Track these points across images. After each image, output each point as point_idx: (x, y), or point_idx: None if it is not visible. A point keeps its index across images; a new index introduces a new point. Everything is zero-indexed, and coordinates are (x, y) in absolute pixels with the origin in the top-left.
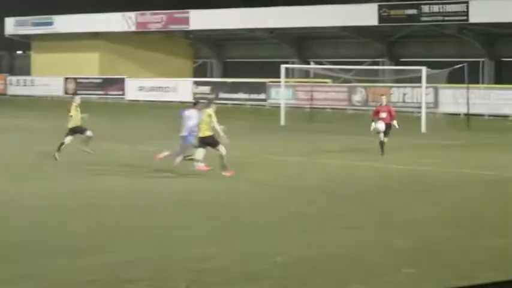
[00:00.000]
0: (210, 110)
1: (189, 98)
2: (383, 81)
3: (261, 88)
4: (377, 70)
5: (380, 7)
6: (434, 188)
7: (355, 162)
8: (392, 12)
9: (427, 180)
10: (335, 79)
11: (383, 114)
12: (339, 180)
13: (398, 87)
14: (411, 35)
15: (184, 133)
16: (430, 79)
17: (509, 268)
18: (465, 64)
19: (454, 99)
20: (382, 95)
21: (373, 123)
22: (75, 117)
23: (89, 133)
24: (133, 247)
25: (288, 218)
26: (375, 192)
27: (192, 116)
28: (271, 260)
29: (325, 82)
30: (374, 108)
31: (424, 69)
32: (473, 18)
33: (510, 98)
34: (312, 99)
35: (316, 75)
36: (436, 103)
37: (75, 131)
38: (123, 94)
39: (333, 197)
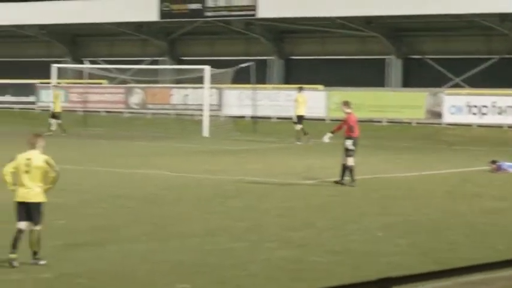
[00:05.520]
0: None
1: None
2: (163, 82)
3: (30, 90)
4: (156, 70)
5: (161, 1)
6: (212, 197)
7: (131, 170)
8: (175, 7)
9: (205, 189)
10: (111, 80)
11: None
12: (113, 189)
13: (179, 88)
14: (194, 31)
15: None
16: (213, 79)
17: (287, 280)
18: (252, 63)
19: (240, 100)
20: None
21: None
22: None
23: None
24: None
25: (55, 231)
26: (150, 202)
27: None
28: (36, 276)
29: (100, 83)
30: None
31: (207, 69)
32: (261, 13)
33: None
34: (85, 101)
35: (91, 76)
36: (220, 105)
37: None
38: None
39: (108, 208)
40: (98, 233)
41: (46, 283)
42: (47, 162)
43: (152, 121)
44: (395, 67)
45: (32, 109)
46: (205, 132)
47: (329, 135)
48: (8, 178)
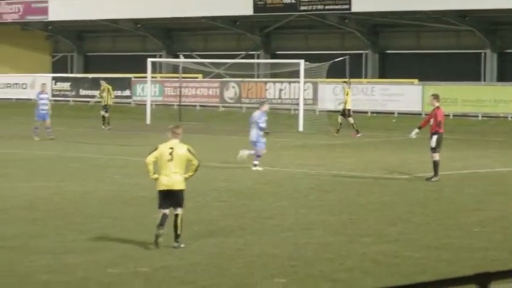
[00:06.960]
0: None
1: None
2: (258, 76)
3: (126, 84)
4: (251, 64)
5: None
6: (308, 192)
7: (228, 165)
8: (269, 1)
9: (302, 183)
10: (206, 74)
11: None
12: (209, 183)
13: (274, 82)
14: (289, 25)
15: None
16: (308, 73)
17: (384, 274)
18: (347, 57)
19: (335, 95)
20: None
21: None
22: None
23: None
24: None
25: (150, 227)
26: (246, 196)
27: None
28: (134, 270)
29: (196, 77)
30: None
31: (302, 63)
32: (355, 7)
33: (395, 94)
34: (180, 96)
35: (186, 70)
36: (315, 99)
37: None
38: None
39: (202, 202)
40: (194, 226)
41: (144, 276)
42: (189, 151)
43: (247, 115)
44: (490, 61)
45: (128, 103)
46: (300, 126)
47: (416, 130)
48: (151, 167)
